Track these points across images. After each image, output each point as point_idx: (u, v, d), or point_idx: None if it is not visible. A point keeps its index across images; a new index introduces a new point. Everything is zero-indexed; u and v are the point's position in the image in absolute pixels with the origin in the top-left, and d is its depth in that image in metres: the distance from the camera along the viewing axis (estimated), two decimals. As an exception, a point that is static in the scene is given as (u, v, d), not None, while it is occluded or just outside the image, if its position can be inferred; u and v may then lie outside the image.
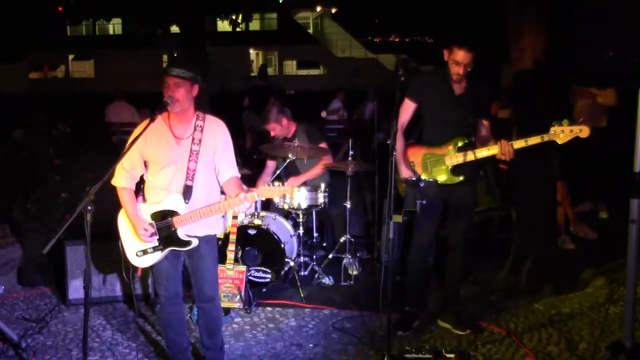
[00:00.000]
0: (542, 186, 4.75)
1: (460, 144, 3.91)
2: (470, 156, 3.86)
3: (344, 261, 5.20)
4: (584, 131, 3.59)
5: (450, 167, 3.92)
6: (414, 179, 3.75)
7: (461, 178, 3.94)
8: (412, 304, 4.24)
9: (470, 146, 3.90)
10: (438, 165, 3.96)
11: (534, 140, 3.67)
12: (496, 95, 5.71)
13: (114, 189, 3.34)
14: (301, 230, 5.19)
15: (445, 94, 3.93)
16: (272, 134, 5.33)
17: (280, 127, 5.27)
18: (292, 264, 5.02)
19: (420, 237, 4.13)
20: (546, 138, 3.63)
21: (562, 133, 3.61)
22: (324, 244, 5.64)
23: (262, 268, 4.88)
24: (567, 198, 5.94)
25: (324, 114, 11.22)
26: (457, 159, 3.89)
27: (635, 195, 2.68)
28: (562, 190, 5.79)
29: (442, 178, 3.95)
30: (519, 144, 3.70)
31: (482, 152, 3.84)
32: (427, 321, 4.25)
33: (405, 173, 3.96)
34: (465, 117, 3.94)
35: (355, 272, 5.17)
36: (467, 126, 3.95)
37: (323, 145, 5.28)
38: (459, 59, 3.79)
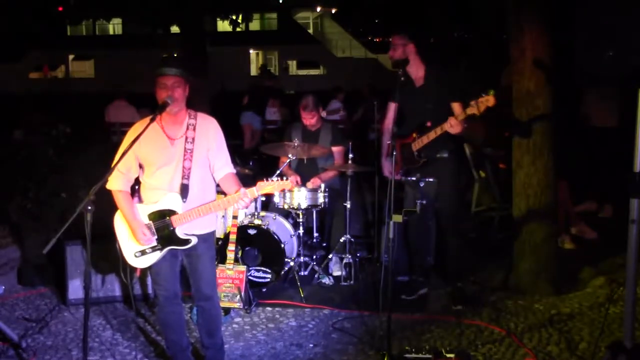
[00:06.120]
0: (541, 185, 4.74)
1: (418, 129, 4.41)
2: (425, 139, 4.35)
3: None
4: (489, 100, 3.99)
5: (415, 151, 4.43)
6: (414, 178, 3.85)
7: (425, 159, 4.43)
8: (416, 272, 4.58)
9: (426, 130, 4.37)
10: (410, 151, 4.46)
11: (468, 111, 4.11)
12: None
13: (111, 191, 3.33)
14: (301, 230, 5.18)
15: (407, 89, 4.38)
16: (309, 122, 5.36)
17: (318, 116, 5.35)
18: (292, 264, 5.02)
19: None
20: (469, 111, 4.10)
21: (475, 105, 4.04)
22: (324, 244, 5.63)
23: (262, 268, 4.88)
24: (568, 197, 5.94)
25: (324, 114, 11.20)
26: (420, 143, 4.39)
27: (635, 195, 2.67)
28: (563, 190, 5.78)
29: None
30: (461, 115, 4.16)
31: (437, 131, 4.27)
32: (427, 321, 4.26)
33: (385, 168, 4.63)
34: (426, 105, 4.42)
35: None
36: (428, 113, 4.40)
37: (339, 149, 5.31)
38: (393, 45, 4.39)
